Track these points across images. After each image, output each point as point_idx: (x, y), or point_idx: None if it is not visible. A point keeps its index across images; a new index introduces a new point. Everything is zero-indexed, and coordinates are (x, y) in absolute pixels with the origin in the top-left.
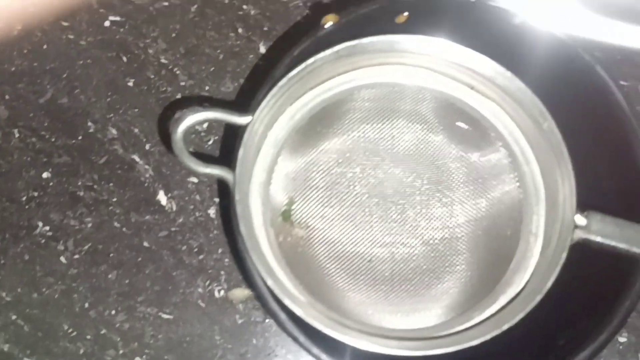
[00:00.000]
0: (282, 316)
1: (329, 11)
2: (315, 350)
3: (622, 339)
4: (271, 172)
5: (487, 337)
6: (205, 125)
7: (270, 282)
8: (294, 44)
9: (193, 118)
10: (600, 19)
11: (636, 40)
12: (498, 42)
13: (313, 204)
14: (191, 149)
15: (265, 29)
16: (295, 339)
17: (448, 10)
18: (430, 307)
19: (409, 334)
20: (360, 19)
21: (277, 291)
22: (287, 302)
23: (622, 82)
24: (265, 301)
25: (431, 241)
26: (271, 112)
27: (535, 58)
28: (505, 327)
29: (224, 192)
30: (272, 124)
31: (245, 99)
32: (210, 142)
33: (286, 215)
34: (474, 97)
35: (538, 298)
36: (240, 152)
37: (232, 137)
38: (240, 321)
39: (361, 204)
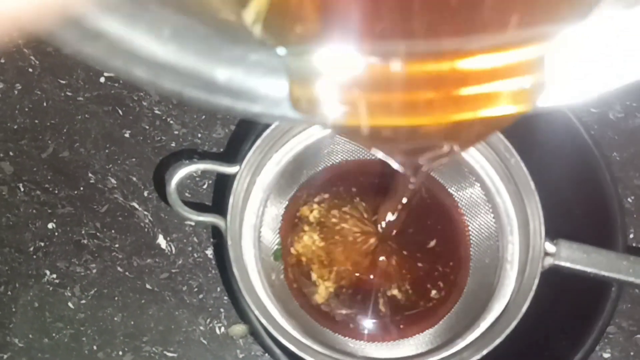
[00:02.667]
0: (277, 351)
1: None
2: None
3: (606, 355)
4: (261, 215)
5: None
6: (199, 171)
7: (263, 321)
8: None
9: (185, 171)
10: None
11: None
12: None
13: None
14: (187, 193)
15: None
16: None
17: None
18: (418, 335)
19: None
20: None
21: (270, 329)
22: (281, 338)
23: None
24: (261, 337)
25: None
26: (258, 159)
27: None
28: (485, 351)
29: (218, 233)
30: (259, 171)
31: (238, 144)
32: (205, 186)
33: (277, 254)
34: None
35: (514, 324)
36: (231, 200)
37: (224, 181)
38: (241, 356)
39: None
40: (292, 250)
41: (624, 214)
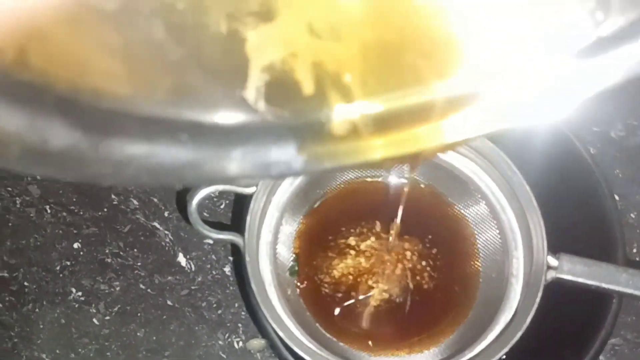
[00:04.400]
0: None
1: None
2: None
3: None
4: (277, 233)
5: None
6: (218, 191)
7: (281, 334)
8: None
9: (205, 191)
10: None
11: None
12: None
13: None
14: (205, 213)
15: None
16: None
17: None
18: (430, 347)
19: None
20: None
21: (287, 341)
22: (298, 350)
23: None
24: (278, 350)
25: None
26: (273, 180)
27: None
28: None
29: (236, 251)
30: (275, 191)
31: None
32: (222, 206)
33: (292, 270)
34: (451, 156)
35: (518, 335)
36: (248, 219)
37: (241, 201)
38: None
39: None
40: (334, 273)
41: (622, 228)
